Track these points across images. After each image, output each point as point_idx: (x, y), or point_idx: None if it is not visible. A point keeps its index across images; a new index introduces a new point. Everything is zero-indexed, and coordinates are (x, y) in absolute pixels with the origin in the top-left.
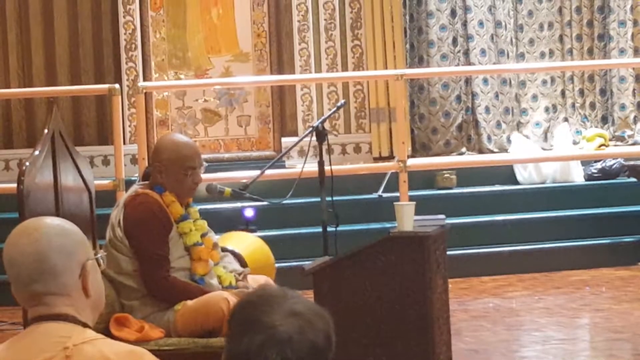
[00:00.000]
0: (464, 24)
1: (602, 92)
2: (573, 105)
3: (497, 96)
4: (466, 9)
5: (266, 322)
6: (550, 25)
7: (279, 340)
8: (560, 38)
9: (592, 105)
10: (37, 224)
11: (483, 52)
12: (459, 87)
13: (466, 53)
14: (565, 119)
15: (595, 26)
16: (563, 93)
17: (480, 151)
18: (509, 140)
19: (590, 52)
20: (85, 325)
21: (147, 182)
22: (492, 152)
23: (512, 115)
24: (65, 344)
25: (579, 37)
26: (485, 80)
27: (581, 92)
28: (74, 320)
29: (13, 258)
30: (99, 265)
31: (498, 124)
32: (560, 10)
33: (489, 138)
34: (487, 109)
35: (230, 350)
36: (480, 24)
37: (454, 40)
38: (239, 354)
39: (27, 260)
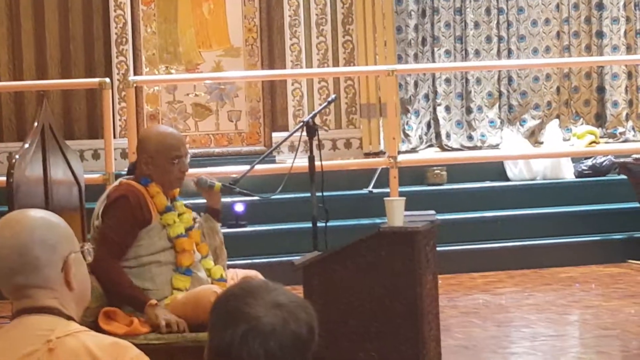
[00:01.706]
0: (432, 26)
1: (600, 89)
2: (567, 103)
3: (459, 96)
4: (434, 10)
5: (249, 313)
6: (547, 21)
7: (261, 331)
8: (558, 34)
9: (587, 103)
10: (20, 217)
11: (448, 53)
12: (427, 86)
13: (432, 53)
14: (557, 116)
15: (592, 23)
16: (558, 90)
17: (443, 149)
18: (469, 138)
19: (588, 49)
20: (69, 318)
21: (132, 175)
22: (452, 149)
23: (473, 113)
24: (49, 337)
25: (577, 34)
26: (447, 80)
27: (576, 89)
28: (59, 313)
29: None
30: (86, 258)
31: (458, 123)
32: (557, 6)
33: (448, 135)
34: (447, 108)
35: (213, 342)
36: (447, 25)
37: (423, 40)
38: (222, 345)
39: (8, 253)
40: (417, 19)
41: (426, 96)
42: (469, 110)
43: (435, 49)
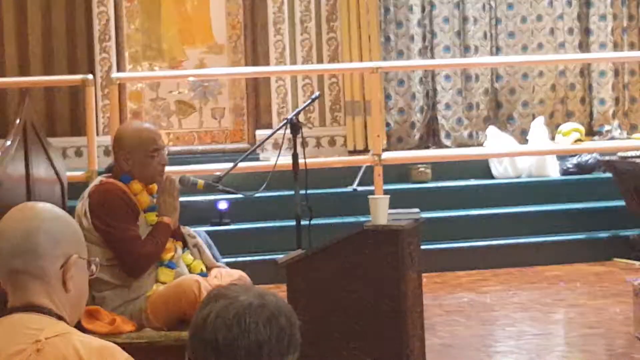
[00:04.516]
0: (430, 21)
1: (587, 87)
2: (562, 101)
3: (460, 92)
4: (432, 5)
5: (229, 292)
6: (539, 17)
7: (239, 305)
8: (552, 31)
9: (582, 100)
10: (35, 205)
11: (447, 48)
12: (426, 82)
13: (431, 49)
14: (551, 114)
15: (582, 20)
16: (553, 87)
17: (441, 147)
18: (470, 136)
19: (581, 46)
20: (60, 317)
21: (110, 173)
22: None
23: (479, 109)
24: (37, 337)
25: (571, 31)
26: (447, 77)
27: (572, 86)
28: (49, 312)
29: (2, 229)
30: (92, 270)
31: (459, 120)
32: (551, 3)
33: (448, 134)
34: (447, 105)
35: (194, 320)
36: (445, 20)
37: (423, 37)
38: (199, 320)
39: (13, 235)
40: (419, 14)
41: (427, 93)
42: (469, 107)
43: (435, 44)
